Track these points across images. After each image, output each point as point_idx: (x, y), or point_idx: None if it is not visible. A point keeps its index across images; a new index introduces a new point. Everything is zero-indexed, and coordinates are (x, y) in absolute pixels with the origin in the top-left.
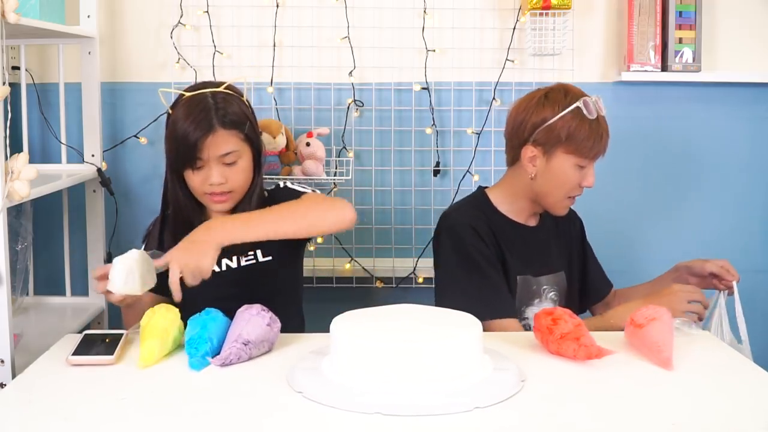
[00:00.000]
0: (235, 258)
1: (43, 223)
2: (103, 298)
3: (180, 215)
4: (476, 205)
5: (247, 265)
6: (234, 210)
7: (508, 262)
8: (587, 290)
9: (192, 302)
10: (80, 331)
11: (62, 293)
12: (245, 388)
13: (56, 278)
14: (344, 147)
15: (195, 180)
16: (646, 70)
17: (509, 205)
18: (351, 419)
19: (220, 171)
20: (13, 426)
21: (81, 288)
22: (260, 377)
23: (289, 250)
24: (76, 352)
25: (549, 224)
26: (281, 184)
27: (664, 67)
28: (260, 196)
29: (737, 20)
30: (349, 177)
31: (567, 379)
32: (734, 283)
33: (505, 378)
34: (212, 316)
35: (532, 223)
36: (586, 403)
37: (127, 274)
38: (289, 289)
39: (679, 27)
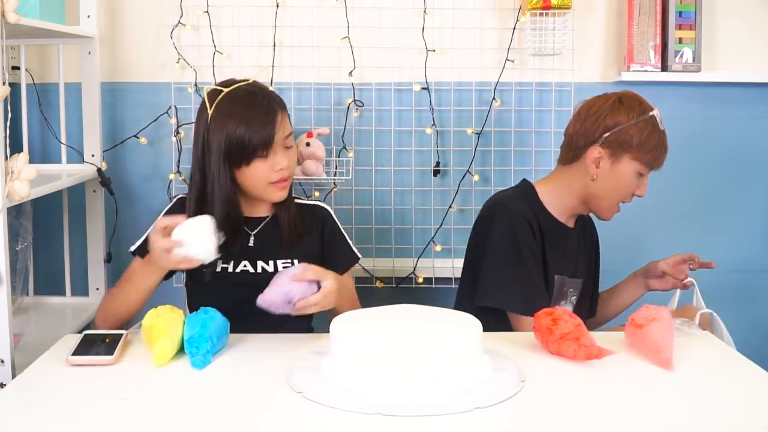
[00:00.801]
0: (271, 262)
1: (43, 223)
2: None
3: (226, 208)
4: (525, 198)
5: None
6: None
7: (549, 259)
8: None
9: (225, 299)
10: (80, 331)
11: (62, 293)
12: (245, 388)
13: (56, 278)
14: (344, 147)
15: (261, 169)
16: (646, 70)
17: (556, 202)
18: (351, 419)
19: (285, 154)
20: (13, 426)
21: (81, 288)
22: (260, 377)
23: (320, 263)
24: (76, 352)
25: (579, 229)
26: (325, 206)
27: (664, 67)
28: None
29: (737, 20)
30: (349, 177)
31: (567, 380)
32: (693, 280)
33: (505, 378)
34: (211, 315)
35: (570, 225)
36: (586, 403)
37: (209, 237)
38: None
39: (679, 27)
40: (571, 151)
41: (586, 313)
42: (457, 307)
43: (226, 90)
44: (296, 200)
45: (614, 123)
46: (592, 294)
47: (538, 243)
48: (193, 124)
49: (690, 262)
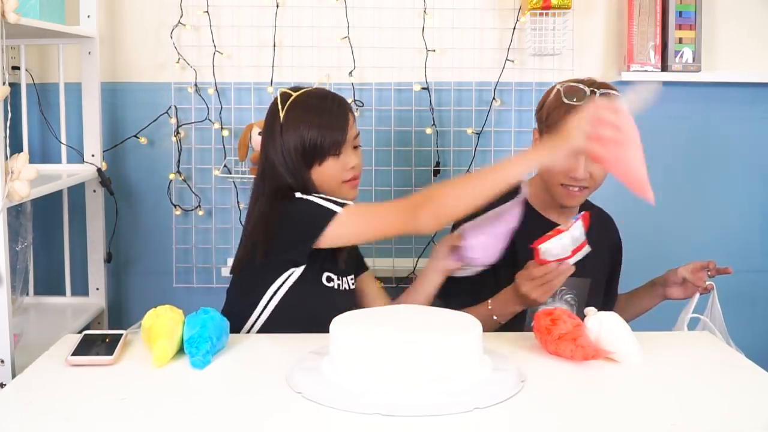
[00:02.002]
0: (351, 279)
1: (43, 223)
2: (102, 298)
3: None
4: (504, 196)
5: (353, 289)
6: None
7: (520, 255)
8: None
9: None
10: (80, 331)
11: (62, 293)
12: (245, 388)
13: (56, 278)
14: None
15: (333, 168)
16: (646, 70)
17: (538, 198)
18: (350, 420)
19: (355, 153)
20: (13, 426)
21: (81, 288)
22: (260, 377)
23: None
24: (76, 352)
25: (586, 229)
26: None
27: (664, 67)
28: None
29: (737, 20)
30: None
31: (567, 380)
32: (713, 284)
33: (505, 378)
34: (211, 315)
35: (565, 222)
36: (585, 403)
37: None
38: None
39: (679, 27)
40: None
41: None
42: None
43: (300, 92)
44: None
45: (539, 104)
46: (606, 294)
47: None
48: (262, 127)
49: (708, 268)
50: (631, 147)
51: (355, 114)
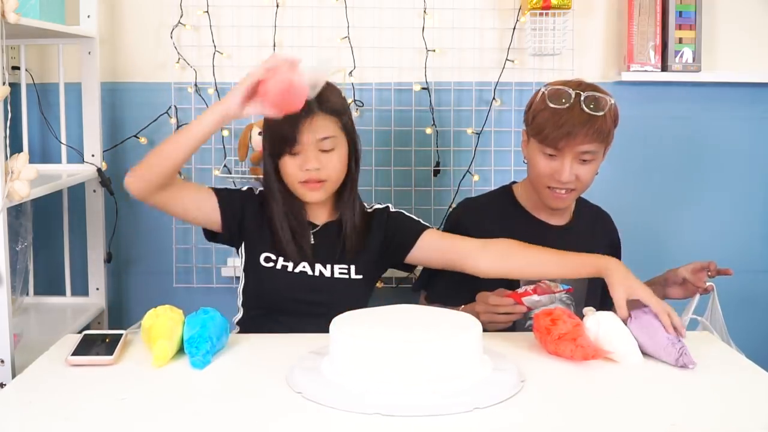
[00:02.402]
0: (329, 267)
1: (43, 223)
2: (102, 298)
3: (272, 202)
4: (495, 196)
5: (338, 278)
6: (332, 206)
7: None
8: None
9: (275, 296)
10: (80, 331)
11: (62, 293)
12: (245, 388)
13: (56, 278)
14: None
15: (291, 166)
16: (646, 70)
17: (528, 199)
18: (350, 420)
19: (317, 156)
20: (13, 426)
21: (81, 288)
22: (260, 377)
23: (376, 274)
24: (76, 353)
25: (582, 230)
26: (383, 206)
27: (664, 67)
28: (357, 199)
29: (737, 20)
30: None
31: (567, 380)
32: (713, 285)
33: (505, 378)
34: (211, 315)
35: (558, 221)
36: (585, 403)
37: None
38: (359, 308)
39: (679, 27)
40: None
41: None
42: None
43: None
44: (364, 207)
45: (527, 105)
46: (604, 294)
47: (487, 233)
48: None
49: (708, 269)
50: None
51: (353, 115)
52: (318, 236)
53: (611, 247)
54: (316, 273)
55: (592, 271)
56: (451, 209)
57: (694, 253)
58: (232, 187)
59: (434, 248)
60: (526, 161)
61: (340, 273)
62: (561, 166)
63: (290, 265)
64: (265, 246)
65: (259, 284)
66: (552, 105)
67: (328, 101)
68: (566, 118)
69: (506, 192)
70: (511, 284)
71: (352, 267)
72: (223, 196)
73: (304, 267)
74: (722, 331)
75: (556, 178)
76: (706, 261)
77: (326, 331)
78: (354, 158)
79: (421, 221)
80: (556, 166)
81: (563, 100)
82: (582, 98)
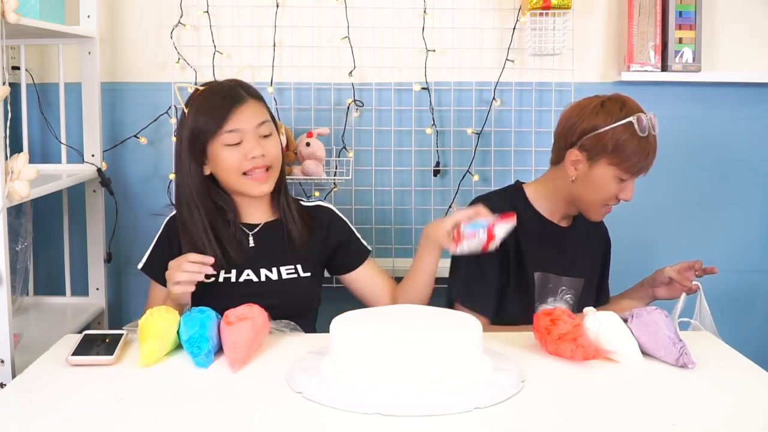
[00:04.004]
0: (275, 269)
1: (43, 223)
2: (102, 298)
3: (195, 212)
4: (507, 197)
5: (287, 279)
6: (271, 202)
7: (526, 257)
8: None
9: (225, 310)
10: (80, 331)
11: (62, 293)
12: (245, 388)
13: (56, 278)
14: (344, 147)
15: (232, 159)
16: (646, 70)
17: (545, 202)
18: (351, 419)
19: (259, 142)
20: (13, 426)
21: (81, 288)
22: (260, 377)
23: (321, 272)
24: (76, 353)
25: (581, 230)
26: (327, 205)
27: (664, 67)
28: (287, 192)
29: (737, 20)
30: (349, 177)
31: (567, 380)
32: (699, 284)
33: (505, 378)
34: (207, 314)
35: (564, 224)
36: (586, 403)
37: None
38: (315, 306)
39: (679, 27)
40: (555, 152)
41: None
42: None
43: (204, 87)
44: (299, 202)
45: (591, 127)
46: (598, 294)
47: (509, 237)
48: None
49: (694, 268)
50: None
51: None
52: (258, 238)
53: (603, 248)
54: (262, 278)
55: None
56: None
57: (694, 253)
58: (147, 253)
59: (366, 282)
60: (575, 179)
61: (288, 274)
62: (627, 187)
63: (233, 276)
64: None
65: (206, 301)
66: (641, 135)
67: (251, 89)
68: (650, 147)
69: (518, 191)
70: (529, 298)
71: (299, 266)
72: (161, 275)
73: (248, 275)
74: (712, 330)
75: (619, 198)
76: (692, 260)
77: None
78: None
79: (362, 241)
80: (624, 187)
81: (648, 130)
82: (653, 123)
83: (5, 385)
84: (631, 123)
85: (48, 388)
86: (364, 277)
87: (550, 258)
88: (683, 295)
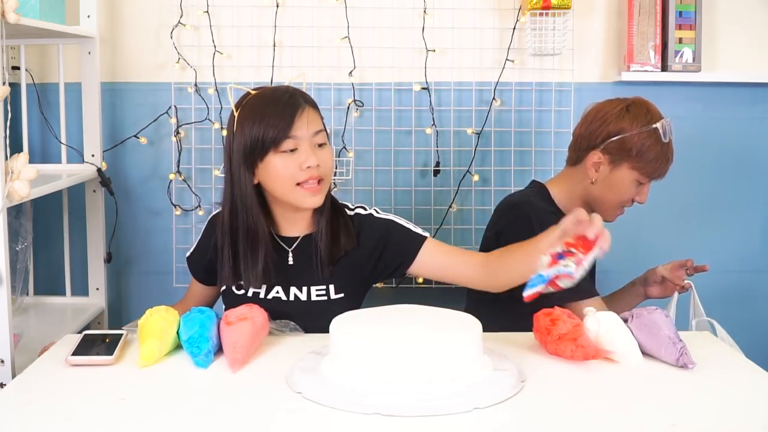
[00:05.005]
0: (305, 289)
1: (43, 223)
2: (102, 298)
3: (248, 221)
4: (543, 198)
5: (315, 301)
6: (312, 215)
7: None
8: None
9: None
10: (80, 332)
11: (62, 293)
12: (245, 389)
13: (56, 278)
14: (344, 147)
15: (286, 166)
16: (646, 70)
17: (564, 202)
18: (350, 420)
19: (315, 152)
20: (13, 426)
21: (81, 288)
22: (260, 377)
23: (361, 291)
24: (76, 353)
25: None
26: (361, 211)
27: (664, 67)
28: (329, 207)
29: (737, 20)
30: (349, 177)
31: (567, 380)
32: (691, 283)
33: (505, 378)
34: (207, 315)
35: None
36: (585, 403)
37: None
38: None
39: (679, 27)
40: (575, 153)
41: None
42: (470, 307)
43: (252, 93)
44: (345, 210)
45: (617, 130)
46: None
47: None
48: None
49: (686, 267)
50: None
51: (353, 115)
52: (297, 253)
53: None
54: (291, 297)
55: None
56: (526, 216)
57: (694, 253)
58: (195, 244)
59: (435, 262)
60: (594, 181)
61: (318, 295)
62: (643, 191)
63: (262, 291)
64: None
65: None
66: (664, 141)
67: (303, 95)
68: (670, 152)
69: (543, 191)
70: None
71: (331, 286)
72: (198, 272)
73: (277, 292)
74: (707, 329)
75: (636, 201)
76: (684, 259)
77: None
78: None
79: (416, 229)
80: (640, 190)
81: (668, 136)
82: (671, 128)
83: (5, 385)
84: (656, 129)
85: (48, 388)
86: (430, 263)
87: None
88: (675, 294)
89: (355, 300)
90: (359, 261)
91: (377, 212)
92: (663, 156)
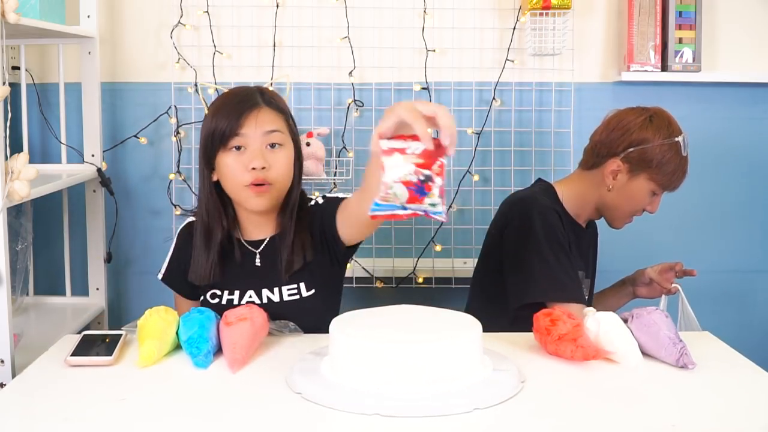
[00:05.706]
0: (276, 290)
1: (43, 223)
2: (102, 298)
3: (204, 218)
4: (548, 197)
5: (288, 301)
6: (276, 217)
7: (572, 256)
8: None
9: None
10: (80, 332)
11: (62, 293)
12: (244, 389)
13: (56, 278)
14: (344, 147)
15: (234, 165)
16: (646, 70)
17: (572, 204)
18: (350, 420)
19: (263, 153)
20: (13, 426)
21: (81, 288)
22: (259, 378)
23: (333, 282)
24: (75, 353)
25: (589, 228)
26: (318, 200)
27: (664, 67)
28: (300, 208)
29: (737, 20)
30: (349, 177)
31: (567, 380)
32: (678, 286)
33: (505, 379)
34: (206, 315)
35: (582, 224)
36: (585, 403)
37: None
38: (329, 319)
39: (679, 27)
40: (593, 158)
41: None
42: (470, 307)
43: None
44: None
45: (639, 140)
46: (590, 293)
47: (565, 239)
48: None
49: (675, 270)
50: None
51: (353, 115)
52: (264, 255)
53: (596, 247)
54: (264, 300)
55: None
56: (531, 215)
57: (694, 253)
58: (165, 263)
59: (348, 214)
60: (611, 188)
61: (290, 295)
62: (656, 201)
63: (236, 297)
64: (206, 286)
65: None
66: (683, 154)
67: (272, 99)
68: (687, 165)
69: (549, 189)
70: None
71: (302, 284)
72: (181, 285)
73: (250, 296)
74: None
75: (648, 210)
76: (673, 261)
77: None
78: (298, 165)
79: (342, 195)
80: (654, 201)
81: (686, 149)
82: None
83: (5, 385)
84: (677, 142)
85: (48, 388)
86: (347, 216)
87: (579, 259)
88: (664, 297)
89: (329, 293)
90: (317, 252)
91: (322, 198)
92: (681, 169)
